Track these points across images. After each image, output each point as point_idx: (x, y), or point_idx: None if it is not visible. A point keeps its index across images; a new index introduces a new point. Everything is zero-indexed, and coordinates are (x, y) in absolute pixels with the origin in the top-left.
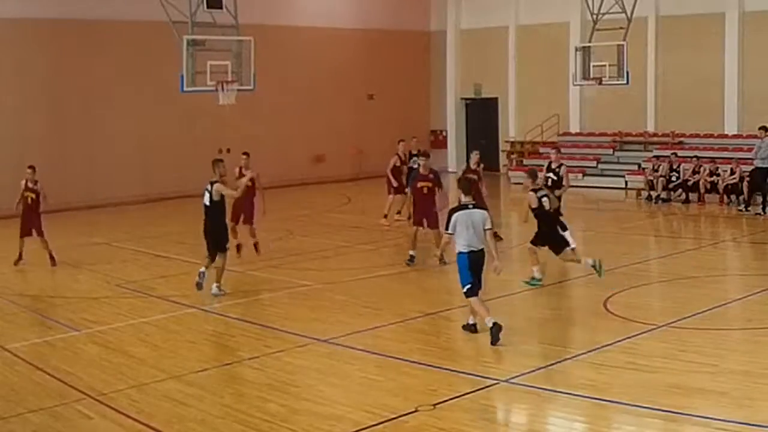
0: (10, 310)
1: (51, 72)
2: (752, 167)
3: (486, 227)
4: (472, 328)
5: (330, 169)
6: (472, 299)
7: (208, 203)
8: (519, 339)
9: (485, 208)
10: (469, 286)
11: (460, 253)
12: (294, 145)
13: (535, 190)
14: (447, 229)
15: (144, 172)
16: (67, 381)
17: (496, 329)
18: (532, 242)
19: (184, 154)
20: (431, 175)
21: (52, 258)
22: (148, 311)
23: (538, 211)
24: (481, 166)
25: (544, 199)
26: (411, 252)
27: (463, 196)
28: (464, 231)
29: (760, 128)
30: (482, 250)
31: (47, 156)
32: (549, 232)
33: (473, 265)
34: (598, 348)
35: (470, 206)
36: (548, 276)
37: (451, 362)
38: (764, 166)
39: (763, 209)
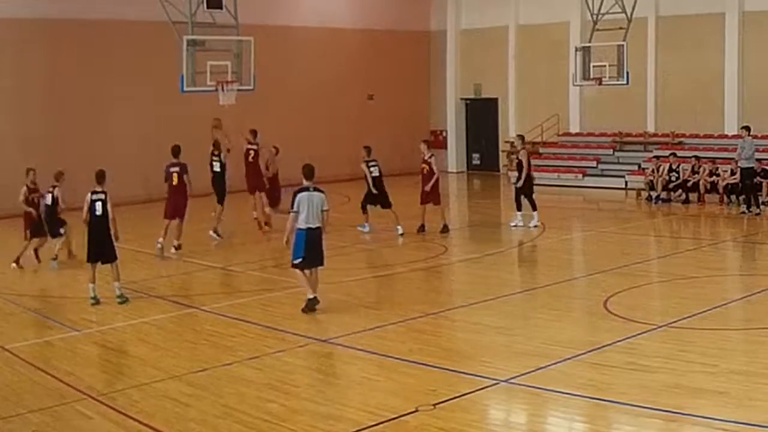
0: (10, 310)
1: (51, 72)
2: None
3: (324, 208)
4: (311, 303)
5: (330, 169)
6: (299, 273)
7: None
8: (519, 339)
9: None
10: (299, 260)
11: (299, 229)
12: (294, 145)
13: None
14: (292, 207)
15: (144, 172)
16: (67, 381)
17: (311, 302)
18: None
19: (184, 155)
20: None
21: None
22: (148, 311)
23: None
24: (433, 158)
25: None
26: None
27: (305, 180)
28: (304, 210)
29: (742, 128)
30: (319, 228)
31: (47, 156)
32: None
33: (309, 240)
34: (598, 348)
35: (311, 189)
36: (548, 275)
37: (451, 362)
38: (750, 165)
39: (757, 206)
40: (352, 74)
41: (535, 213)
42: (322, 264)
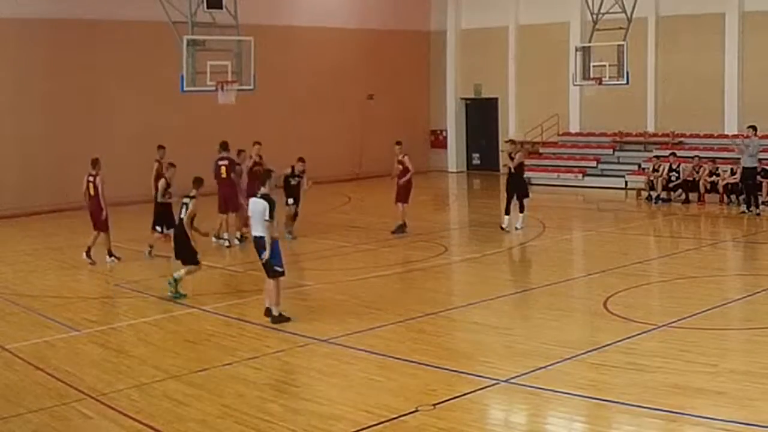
0: (10, 310)
1: (51, 72)
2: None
3: (265, 218)
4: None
5: (330, 169)
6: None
7: None
8: (519, 339)
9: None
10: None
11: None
12: (294, 145)
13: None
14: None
15: (144, 172)
16: (67, 381)
17: (266, 311)
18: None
19: (184, 155)
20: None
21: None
22: (148, 311)
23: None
24: (406, 157)
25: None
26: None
27: (262, 187)
28: (251, 217)
29: (749, 127)
30: (260, 237)
31: (47, 156)
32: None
33: (256, 249)
34: (598, 348)
35: (258, 195)
36: (548, 275)
37: (451, 362)
38: (753, 165)
39: (757, 206)
40: (352, 74)
41: (521, 215)
42: (269, 275)
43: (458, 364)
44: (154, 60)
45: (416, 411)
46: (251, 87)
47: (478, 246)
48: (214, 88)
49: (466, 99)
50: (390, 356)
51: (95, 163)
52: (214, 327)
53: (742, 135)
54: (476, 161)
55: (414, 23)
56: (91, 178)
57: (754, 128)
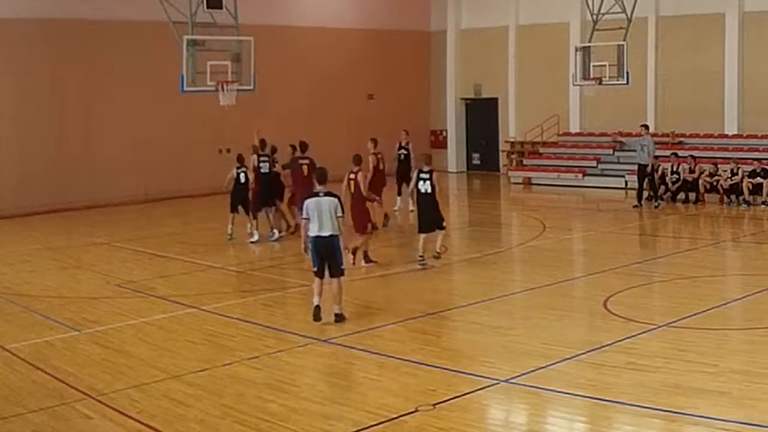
0: (10, 310)
1: (51, 72)
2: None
3: (337, 215)
4: (315, 311)
5: (330, 169)
6: (315, 280)
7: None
8: (519, 339)
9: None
10: (315, 269)
11: (311, 237)
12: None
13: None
14: (301, 214)
15: (144, 172)
16: (67, 381)
17: (315, 310)
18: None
19: (184, 154)
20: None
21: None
22: (148, 311)
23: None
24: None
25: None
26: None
27: (317, 185)
28: (314, 217)
29: (641, 126)
30: (331, 236)
31: (47, 156)
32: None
33: (319, 249)
34: (598, 348)
35: (321, 194)
36: (548, 275)
37: (451, 362)
38: (646, 162)
39: (655, 200)
40: (353, 74)
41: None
42: (336, 274)
43: (458, 364)
44: (154, 60)
45: (416, 411)
46: (251, 87)
47: (478, 246)
48: (214, 88)
49: (466, 99)
50: (390, 356)
51: (359, 160)
52: (214, 327)
53: (637, 134)
54: (476, 161)
55: (414, 23)
56: (351, 176)
57: (646, 127)
